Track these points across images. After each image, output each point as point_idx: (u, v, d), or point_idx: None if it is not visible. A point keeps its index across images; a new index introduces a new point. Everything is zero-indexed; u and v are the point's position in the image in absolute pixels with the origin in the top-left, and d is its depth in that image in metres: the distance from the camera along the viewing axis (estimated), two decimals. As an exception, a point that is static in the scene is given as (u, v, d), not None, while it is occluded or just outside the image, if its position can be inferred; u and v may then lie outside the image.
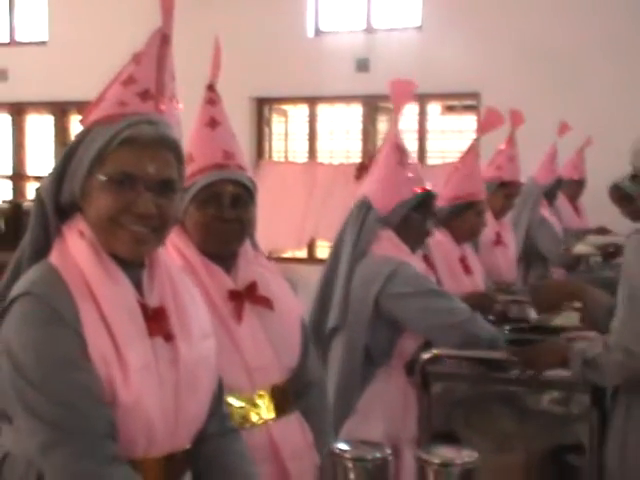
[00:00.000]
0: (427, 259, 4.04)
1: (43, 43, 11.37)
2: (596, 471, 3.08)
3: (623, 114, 8.46)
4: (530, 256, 6.63)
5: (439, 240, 4.47)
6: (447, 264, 4.42)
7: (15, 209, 10.95)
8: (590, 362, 2.94)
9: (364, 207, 3.56)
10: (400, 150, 3.67)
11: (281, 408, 2.46)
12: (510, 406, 3.37)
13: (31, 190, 11.68)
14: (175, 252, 2.45)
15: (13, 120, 11.87)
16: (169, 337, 1.90)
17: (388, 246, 3.48)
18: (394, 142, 3.72)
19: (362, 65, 9.76)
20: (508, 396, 3.38)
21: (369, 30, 10.06)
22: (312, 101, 10.32)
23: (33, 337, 1.75)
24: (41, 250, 1.89)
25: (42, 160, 11.68)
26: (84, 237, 1.87)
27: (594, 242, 6.49)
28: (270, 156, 10.69)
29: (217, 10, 10.18)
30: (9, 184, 11.95)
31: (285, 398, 2.48)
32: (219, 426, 2.09)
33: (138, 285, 1.92)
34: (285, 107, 10.79)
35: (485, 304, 4.28)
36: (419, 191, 3.57)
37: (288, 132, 10.83)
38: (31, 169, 11.91)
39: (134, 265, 1.91)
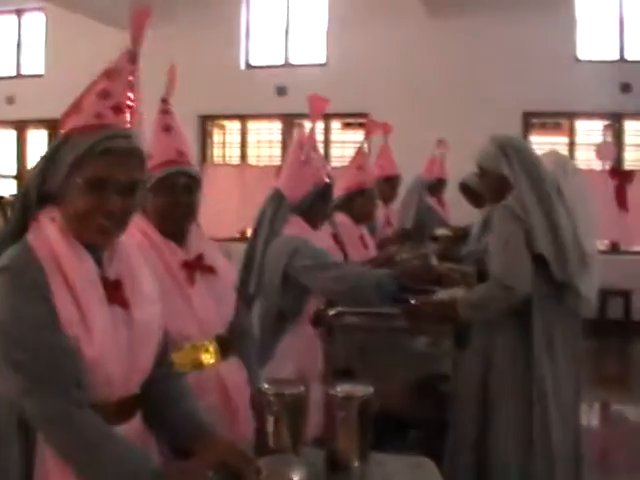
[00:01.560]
0: (335, 237, 3.98)
1: (40, 76, 11.16)
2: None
3: (473, 127, 8.44)
4: (413, 232, 6.59)
5: (342, 221, 4.42)
6: (350, 240, 4.37)
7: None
8: (475, 304, 3.00)
9: (277, 197, 3.47)
10: (303, 150, 3.53)
11: (224, 352, 2.41)
12: (394, 348, 3.32)
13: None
14: (139, 233, 2.37)
15: (17, 135, 11.65)
16: (125, 304, 1.84)
17: (295, 228, 3.40)
18: (299, 142, 3.59)
19: (281, 91, 9.75)
20: (393, 341, 3.33)
21: (287, 64, 10.11)
22: (243, 118, 10.30)
23: (13, 303, 1.68)
24: (20, 231, 1.81)
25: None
26: (55, 222, 1.79)
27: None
28: (212, 160, 10.62)
29: (173, 45, 9.73)
30: (14, 182, 11.60)
31: (227, 344, 2.43)
32: (164, 372, 2.01)
33: (100, 262, 1.85)
34: (223, 122, 10.70)
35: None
36: (320, 183, 3.48)
37: (225, 142, 10.75)
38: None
39: (97, 246, 1.84)
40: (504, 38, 8.86)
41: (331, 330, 3.23)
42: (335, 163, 9.62)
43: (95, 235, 1.81)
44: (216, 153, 10.72)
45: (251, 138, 10.49)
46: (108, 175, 1.77)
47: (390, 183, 5.69)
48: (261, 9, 10.30)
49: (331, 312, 3.20)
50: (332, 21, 9.76)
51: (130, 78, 2.00)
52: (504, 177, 3.11)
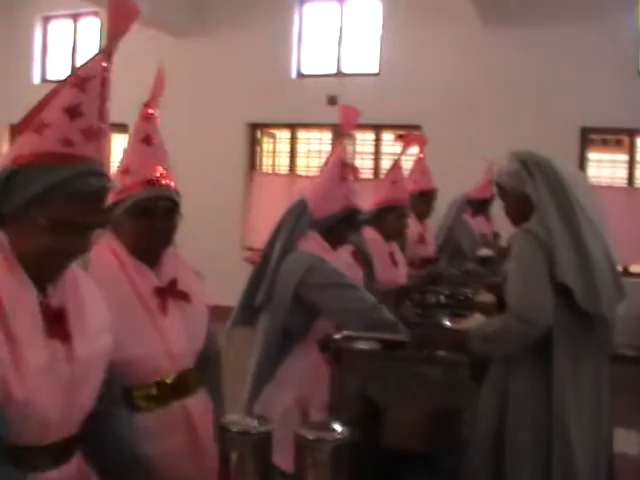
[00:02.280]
0: (355, 255, 3.78)
1: None
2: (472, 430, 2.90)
3: (528, 143, 8.14)
4: (451, 248, 6.38)
5: (372, 237, 4.26)
6: (380, 257, 4.21)
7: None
8: (489, 337, 2.78)
9: (300, 208, 3.29)
10: (345, 167, 3.35)
11: (193, 386, 2.27)
12: (408, 378, 3.09)
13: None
14: (110, 252, 2.21)
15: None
16: (67, 337, 1.64)
17: (313, 245, 3.21)
18: (340, 158, 3.39)
19: (332, 100, 9.54)
20: (407, 369, 3.09)
21: (338, 73, 9.92)
22: (293, 127, 10.17)
23: None
24: None
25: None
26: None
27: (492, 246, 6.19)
28: (260, 169, 10.49)
29: (223, 52, 10.16)
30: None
31: (196, 377, 2.28)
32: (104, 409, 1.83)
33: (44, 289, 1.65)
34: (273, 131, 10.55)
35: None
36: (350, 206, 3.29)
37: (275, 150, 10.61)
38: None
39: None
40: (562, 49, 8.55)
41: (339, 356, 3.02)
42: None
43: (49, 273, 1.64)
44: (265, 162, 10.57)
45: (301, 148, 10.34)
46: (77, 219, 1.58)
47: (425, 198, 5.46)
48: (314, 16, 10.14)
49: (340, 336, 2.99)
50: (386, 30, 9.55)
51: (102, 88, 1.72)
52: (527, 197, 2.88)
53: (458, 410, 3.00)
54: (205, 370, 2.35)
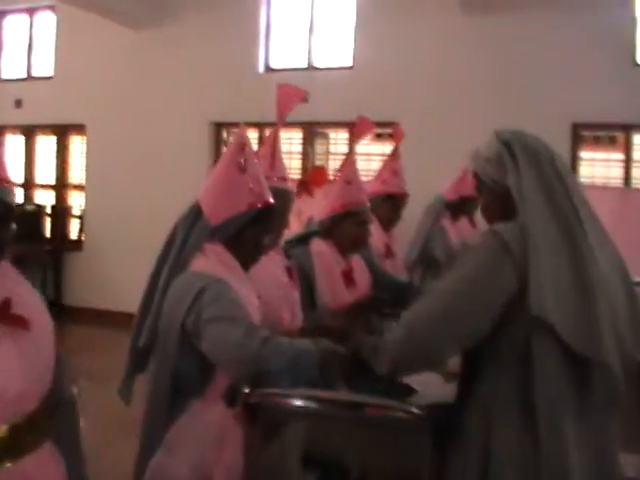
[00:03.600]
0: (290, 272, 3.02)
1: (50, 78, 10.46)
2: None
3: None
4: (426, 261, 5.61)
5: (320, 251, 3.50)
6: (326, 276, 3.43)
7: (19, 211, 10.05)
8: (374, 346, 2.13)
9: (193, 214, 2.53)
10: (245, 155, 2.57)
11: (33, 442, 1.69)
12: (352, 440, 2.31)
13: (39, 196, 10.76)
14: None
15: (25, 140, 10.94)
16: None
17: (211, 261, 2.44)
18: (239, 143, 2.62)
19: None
20: (352, 431, 2.31)
21: (310, 67, 9.17)
22: (261, 126, 9.32)
23: None
24: None
25: (46, 172, 10.74)
26: None
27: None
28: None
29: (183, 46, 9.43)
30: (20, 191, 10.92)
31: (38, 430, 1.70)
32: None
33: None
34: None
35: (370, 308, 3.52)
36: (258, 205, 2.51)
37: None
38: (38, 179, 10.94)
39: None
40: (550, 39, 7.80)
41: (256, 412, 2.25)
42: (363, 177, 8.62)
43: None
44: None
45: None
46: None
47: (391, 203, 4.67)
48: (283, 6, 9.37)
49: (246, 391, 2.21)
50: (360, 20, 8.79)
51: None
52: (509, 191, 2.12)
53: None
54: (55, 419, 1.78)
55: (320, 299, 3.35)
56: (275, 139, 3.02)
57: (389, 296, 3.71)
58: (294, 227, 3.77)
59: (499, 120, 7.22)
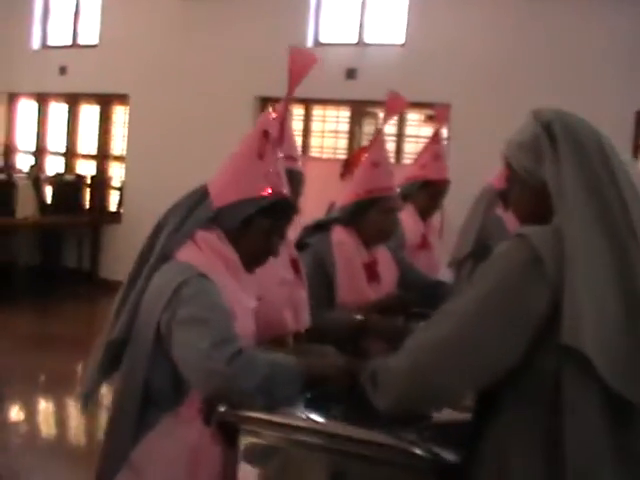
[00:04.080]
0: (296, 266, 2.67)
1: (94, 46, 10.24)
2: None
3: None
4: (479, 255, 5.15)
5: (341, 240, 3.12)
6: (347, 269, 3.08)
7: (59, 181, 9.90)
8: (373, 373, 1.73)
9: (198, 195, 2.19)
10: (267, 139, 2.24)
11: None
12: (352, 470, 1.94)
13: (80, 166, 10.56)
14: None
15: (69, 109, 10.73)
16: None
17: (202, 251, 2.10)
18: (262, 127, 2.30)
19: (351, 74, 8.52)
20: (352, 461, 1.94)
21: (360, 43, 8.76)
22: (307, 103, 8.98)
23: None
24: None
25: (88, 142, 10.53)
26: None
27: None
28: None
29: (232, 19, 9.10)
30: (62, 160, 10.73)
31: None
32: None
33: None
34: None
35: (396, 308, 3.07)
36: (271, 193, 2.17)
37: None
38: (80, 148, 10.74)
39: None
40: (614, 24, 7.27)
41: (231, 432, 1.91)
42: (409, 161, 8.23)
43: None
44: None
45: (315, 126, 9.21)
46: None
47: (430, 190, 4.24)
48: (335, -20, 8.94)
49: (222, 409, 1.87)
50: (415, -5, 8.31)
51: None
52: (546, 187, 1.72)
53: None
54: None
55: (339, 295, 3.00)
56: (283, 115, 2.66)
57: (416, 295, 3.33)
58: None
59: (555, 106, 6.86)
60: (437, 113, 4.45)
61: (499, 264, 1.65)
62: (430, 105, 8.02)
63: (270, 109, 2.77)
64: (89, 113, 10.58)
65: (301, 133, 9.14)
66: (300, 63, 2.65)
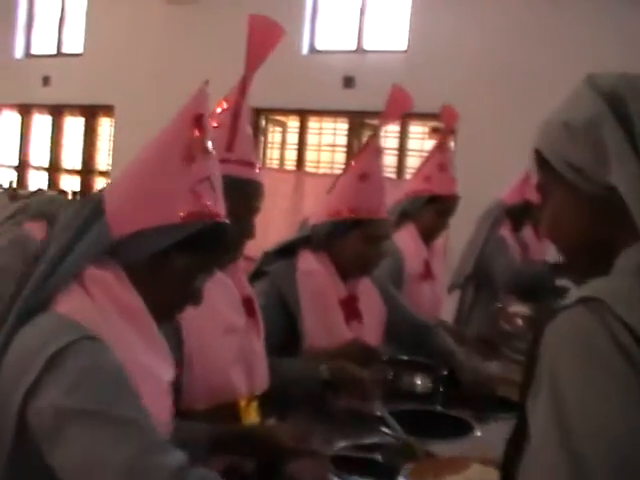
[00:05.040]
0: (250, 306, 2.04)
1: (79, 55, 9.80)
2: None
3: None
4: (480, 278, 4.56)
5: (310, 269, 2.50)
6: (316, 306, 2.46)
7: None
8: None
9: (87, 213, 1.48)
10: (200, 132, 1.55)
11: None
12: None
13: (64, 181, 10.02)
14: None
15: (53, 120, 10.26)
16: None
17: (92, 299, 1.41)
18: (192, 113, 1.57)
19: (349, 82, 7.95)
20: None
21: (359, 50, 8.22)
22: (303, 114, 8.50)
23: None
24: None
25: (73, 156, 9.99)
26: None
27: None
28: (264, 163, 8.79)
29: (222, 23, 8.46)
30: (45, 175, 10.22)
31: None
32: None
33: None
34: (281, 118, 8.94)
35: (363, 361, 2.37)
36: (201, 219, 1.48)
37: (285, 141, 8.98)
38: (65, 163, 10.20)
39: None
40: (624, 24, 6.65)
41: None
42: (409, 176, 7.58)
43: None
44: (269, 155, 8.96)
45: (311, 139, 8.68)
46: None
47: (436, 207, 3.60)
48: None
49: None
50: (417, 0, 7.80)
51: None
52: (614, 195, 1.07)
53: None
54: None
55: (307, 340, 2.39)
56: (238, 104, 2.05)
57: (408, 338, 2.80)
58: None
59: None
60: (444, 114, 3.78)
61: (571, 362, 0.99)
62: (435, 116, 7.50)
63: (223, 101, 2.14)
64: (74, 125, 10.11)
65: (296, 146, 8.65)
66: (262, 34, 2.09)
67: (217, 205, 1.53)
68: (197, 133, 1.54)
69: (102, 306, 1.39)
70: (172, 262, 1.48)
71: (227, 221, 1.54)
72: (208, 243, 1.52)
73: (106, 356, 1.32)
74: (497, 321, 4.11)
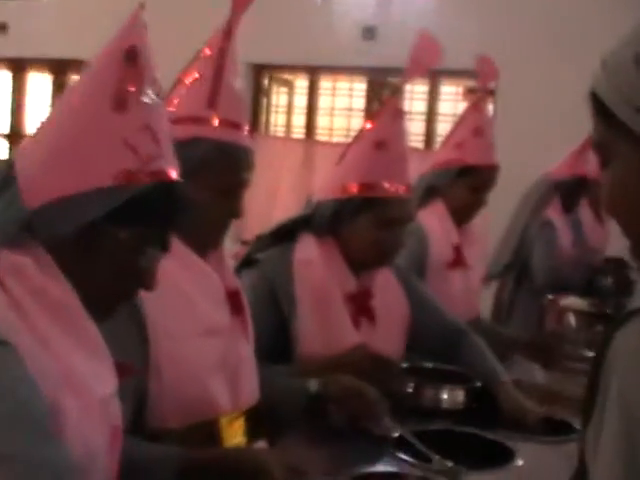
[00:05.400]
0: (236, 302, 2.02)
1: None
2: None
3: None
4: (521, 267, 4.57)
5: (307, 258, 2.48)
6: (315, 303, 2.45)
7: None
8: None
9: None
10: (134, 68, 1.45)
11: None
12: None
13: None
14: None
15: (13, 77, 10.33)
16: None
17: (5, 289, 1.35)
18: (123, 46, 1.47)
19: (370, 33, 8.01)
20: None
21: (381, -4, 8.37)
22: (313, 71, 8.57)
23: None
24: None
25: (39, 120, 10.02)
26: None
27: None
28: (267, 130, 8.94)
29: None
30: (4, 143, 10.34)
31: None
32: None
33: None
34: (288, 77, 9.06)
35: (373, 372, 2.35)
36: (139, 180, 1.40)
37: (292, 104, 9.07)
38: (30, 128, 10.18)
39: None
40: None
41: None
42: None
43: None
44: (274, 120, 9.01)
45: (323, 102, 8.76)
46: None
47: (471, 180, 3.53)
48: None
49: None
50: None
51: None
52: None
53: None
54: None
55: (303, 344, 2.37)
56: (223, 51, 2.04)
57: (435, 344, 2.76)
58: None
59: None
60: (479, 67, 3.74)
61: None
62: (470, 74, 7.50)
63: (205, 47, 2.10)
64: (39, 83, 10.16)
65: (305, 110, 8.75)
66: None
67: (163, 160, 1.45)
68: (130, 72, 1.47)
69: (18, 300, 1.33)
70: (107, 237, 1.41)
71: (176, 178, 1.47)
72: (152, 209, 1.45)
73: (15, 371, 1.25)
74: (543, 318, 4.10)
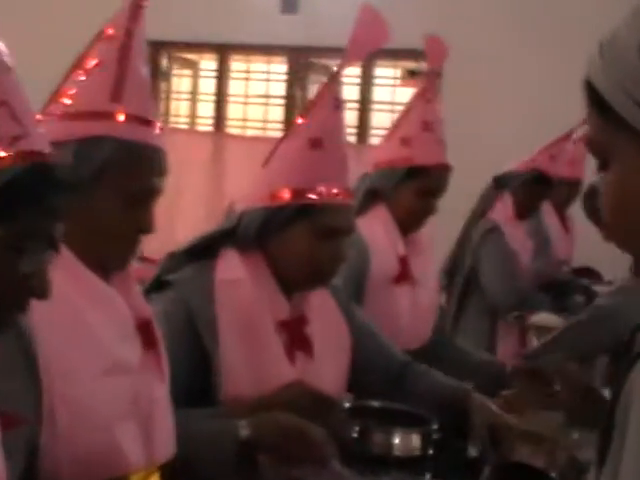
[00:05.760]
0: (147, 331, 2.13)
1: None
2: None
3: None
4: (465, 283, 4.78)
5: (233, 279, 2.55)
6: (240, 332, 2.52)
7: None
8: None
9: None
10: None
11: None
12: None
13: None
14: None
15: None
16: None
17: None
18: None
19: (290, 4, 8.21)
20: None
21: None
22: (223, 50, 8.72)
23: None
24: None
25: None
26: None
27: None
28: (167, 121, 9.04)
29: None
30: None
31: None
32: None
33: None
34: (191, 56, 9.25)
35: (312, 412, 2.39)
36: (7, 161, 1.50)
37: (197, 90, 9.30)
38: None
39: None
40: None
41: None
42: (375, 139, 8.06)
43: None
44: (181, 110, 9.20)
45: (234, 87, 8.91)
46: None
47: (418, 183, 3.59)
48: None
49: None
50: None
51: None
52: None
53: None
54: None
55: (224, 381, 2.41)
56: (129, 34, 2.07)
57: (380, 378, 2.87)
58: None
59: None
60: (428, 47, 3.80)
61: None
62: (410, 54, 7.69)
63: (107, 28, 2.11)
64: None
65: (213, 97, 8.89)
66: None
67: (29, 138, 1.46)
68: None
69: None
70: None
71: (49, 157, 1.48)
72: (28, 197, 1.45)
73: None
74: (495, 340, 4.24)
